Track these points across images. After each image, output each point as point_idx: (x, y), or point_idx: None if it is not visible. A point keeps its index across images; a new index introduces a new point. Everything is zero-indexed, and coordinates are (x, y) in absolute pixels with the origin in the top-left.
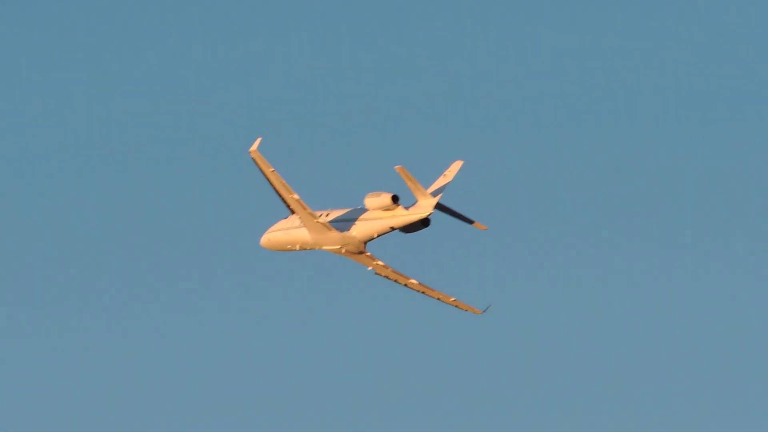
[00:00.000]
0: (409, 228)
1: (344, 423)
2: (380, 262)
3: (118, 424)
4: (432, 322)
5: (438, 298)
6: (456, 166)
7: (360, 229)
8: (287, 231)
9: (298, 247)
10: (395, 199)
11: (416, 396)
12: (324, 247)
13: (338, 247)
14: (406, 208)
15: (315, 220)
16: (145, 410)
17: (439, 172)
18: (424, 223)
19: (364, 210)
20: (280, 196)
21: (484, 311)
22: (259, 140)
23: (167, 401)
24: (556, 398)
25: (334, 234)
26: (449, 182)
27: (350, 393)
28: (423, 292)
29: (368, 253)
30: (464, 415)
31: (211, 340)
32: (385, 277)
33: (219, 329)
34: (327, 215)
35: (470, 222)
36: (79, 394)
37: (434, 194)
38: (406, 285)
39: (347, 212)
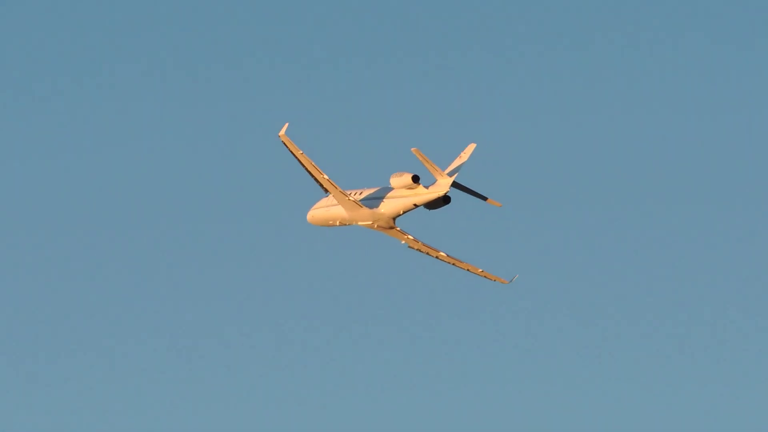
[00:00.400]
0: (432, 205)
1: (384, 383)
2: (410, 236)
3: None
4: (463, 291)
5: (467, 269)
6: (470, 148)
7: (387, 206)
8: (327, 208)
9: (338, 223)
10: (416, 179)
11: (452, 361)
12: (359, 223)
13: (370, 222)
14: (426, 186)
15: (347, 198)
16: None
17: (456, 154)
18: (445, 200)
19: (389, 189)
20: (312, 176)
21: (510, 281)
22: (286, 125)
23: (238, 356)
24: (577, 363)
25: (365, 211)
26: (464, 163)
27: (392, 357)
28: (453, 264)
29: (398, 228)
30: (495, 378)
31: (264, 304)
32: (417, 250)
33: (273, 296)
34: (360, 194)
35: (485, 199)
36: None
37: (450, 174)
38: (437, 257)
39: (376, 191)
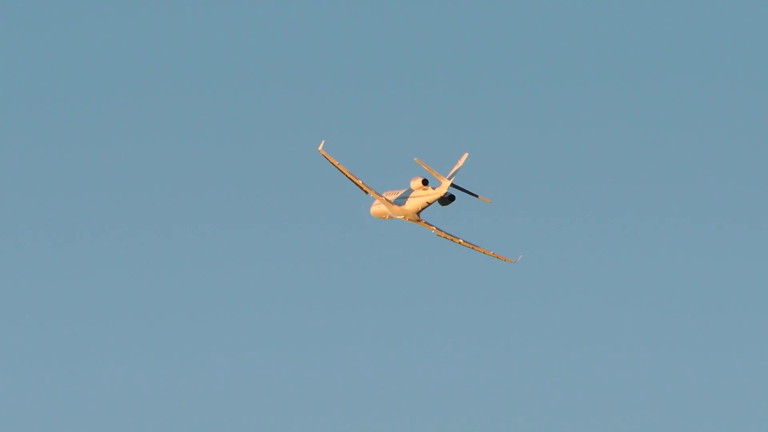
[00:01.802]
0: (443, 202)
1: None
2: (434, 227)
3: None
4: (477, 267)
5: (481, 251)
6: (464, 157)
7: (410, 204)
8: (378, 205)
9: (387, 217)
10: (425, 182)
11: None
12: (397, 216)
13: (403, 216)
14: (434, 188)
15: (382, 198)
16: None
17: (455, 161)
18: (451, 198)
19: (411, 190)
20: (351, 181)
21: (516, 261)
22: (323, 142)
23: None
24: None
25: (396, 208)
26: (459, 168)
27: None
28: (471, 248)
29: (423, 221)
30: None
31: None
32: (443, 237)
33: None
34: (395, 194)
35: (476, 196)
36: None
37: (449, 178)
38: (458, 242)
39: (404, 192)
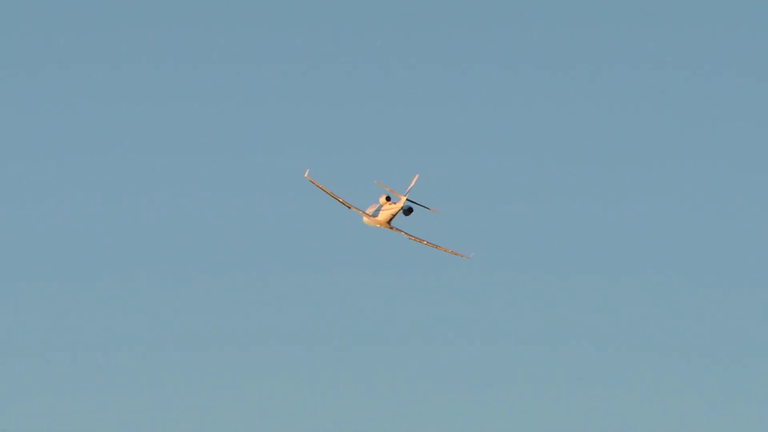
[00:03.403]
0: (406, 213)
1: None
2: (403, 232)
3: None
4: (436, 262)
5: (443, 250)
6: (415, 177)
7: (381, 215)
8: (365, 216)
9: (371, 224)
10: (388, 198)
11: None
12: (376, 225)
13: (379, 225)
14: (394, 203)
15: (361, 212)
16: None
17: (409, 181)
18: (409, 210)
19: (380, 205)
20: (336, 200)
21: (470, 257)
22: (308, 170)
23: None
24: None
25: (373, 219)
26: (412, 187)
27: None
28: (436, 247)
29: (395, 228)
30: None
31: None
32: (411, 239)
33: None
34: (373, 208)
35: (428, 208)
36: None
37: (405, 194)
38: (422, 243)
39: (376, 207)
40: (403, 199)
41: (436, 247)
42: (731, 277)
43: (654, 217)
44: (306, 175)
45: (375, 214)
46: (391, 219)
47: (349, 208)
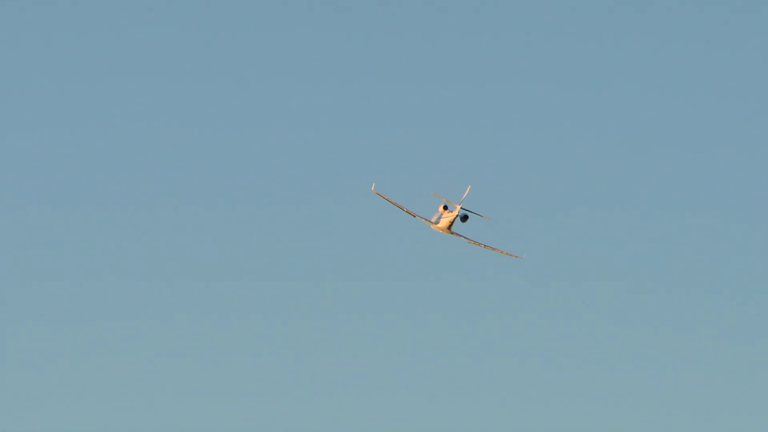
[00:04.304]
0: (462, 220)
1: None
2: (464, 237)
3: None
4: (498, 263)
5: (499, 252)
6: (468, 188)
7: (441, 223)
8: (429, 222)
9: (438, 230)
10: (445, 207)
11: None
12: (439, 231)
13: (441, 230)
14: (451, 211)
15: (425, 220)
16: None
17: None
18: (465, 217)
19: (440, 214)
20: (401, 209)
21: (523, 257)
22: (374, 184)
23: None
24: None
25: (436, 225)
26: (465, 196)
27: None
28: (492, 250)
29: (455, 233)
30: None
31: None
32: (471, 243)
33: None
34: (436, 216)
35: (480, 215)
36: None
37: (460, 203)
38: (479, 245)
39: (437, 215)
40: (458, 207)
41: (492, 249)
42: None
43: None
44: (373, 188)
45: (437, 222)
46: (450, 225)
47: (414, 217)
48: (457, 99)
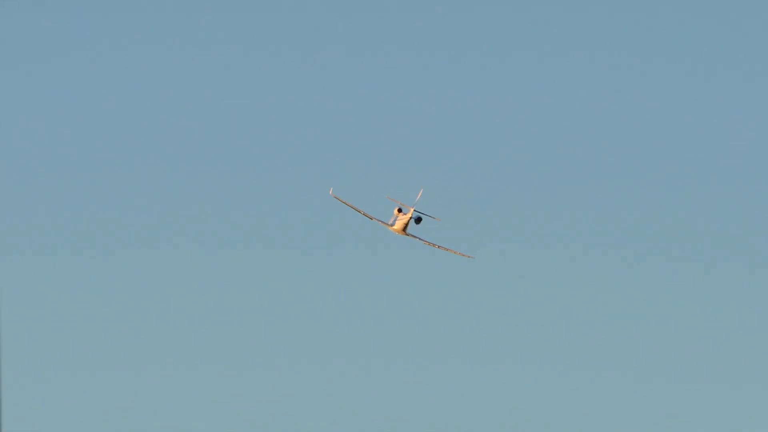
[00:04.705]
0: (416, 222)
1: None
2: (418, 237)
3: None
4: (450, 262)
5: (452, 252)
6: (420, 191)
7: (396, 224)
8: (385, 224)
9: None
10: (400, 210)
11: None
12: (395, 232)
13: (397, 232)
14: (405, 214)
15: (381, 222)
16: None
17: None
18: (419, 219)
19: (395, 216)
20: (359, 212)
21: (474, 257)
22: (331, 189)
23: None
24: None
25: (392, 227)
26: (418, 199)
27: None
28: (446, 250)
29: (411, 234)
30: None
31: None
32: (426, 243)
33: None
34: (392, 218)
35: (432, 217)
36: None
37: (413, 206)
38: (432, 246)
39: (393, 218)
40: (411, 210)
41: (445, 249)
42: None
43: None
44: (330, 192)
45: (392, 224)
46: (405, 227)
47: (371, 219)
48: (411, 103)
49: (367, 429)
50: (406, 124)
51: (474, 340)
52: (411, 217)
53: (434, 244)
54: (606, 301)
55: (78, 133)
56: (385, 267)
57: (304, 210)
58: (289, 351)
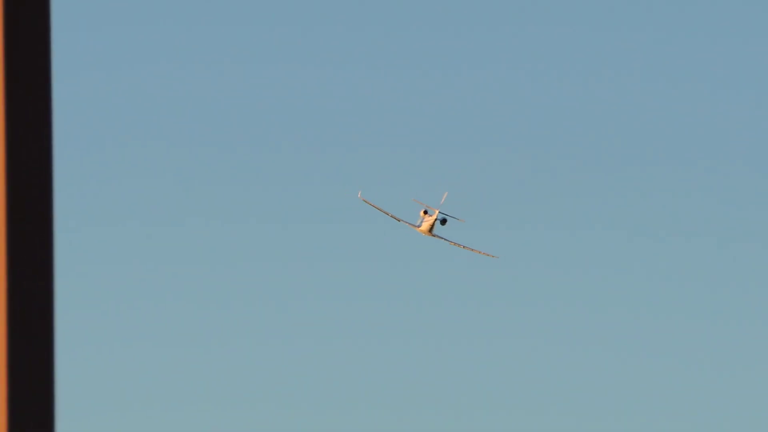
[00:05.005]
0: (442, 223)
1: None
2: (444, 238)
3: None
4: (481, 263)
5: (477, 252)
6: (445, 194)
7: (423, 226)
8: (412, 225)
9: (421, 233)
10: (425, 212)
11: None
12: (422, 233)
13: (423, 233)
14: (430, 215)
15: (407, 224)
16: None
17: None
18: (444, 221)
19: (421, 218)
20: (386, 215)
21: (498, 257)
22: (360, 192)
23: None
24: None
25: (418, 228)
26: (444, 201)
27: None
28: (471, 250)
29: (437, 235)
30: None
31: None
32: (452, 244)
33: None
34: (419, 220)
35: (456, 218)
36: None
37: (439, 208)
38: (458, 246)
39: (420, 219)
40: (437, 212)
41: (471, 249)
42: None
43: None
44: (359, 195)
45: (419, 225)
46: (431, 228)
47: (399, 221)
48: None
49: (392, 428)
50: (429, 130)
51: (504, 338)
52: (436, 219)
53: (459, 245)
54: (636, 300)
55: (78, 133)
56: (413, 266)
57: (334, 212)
58: (320, 351)
